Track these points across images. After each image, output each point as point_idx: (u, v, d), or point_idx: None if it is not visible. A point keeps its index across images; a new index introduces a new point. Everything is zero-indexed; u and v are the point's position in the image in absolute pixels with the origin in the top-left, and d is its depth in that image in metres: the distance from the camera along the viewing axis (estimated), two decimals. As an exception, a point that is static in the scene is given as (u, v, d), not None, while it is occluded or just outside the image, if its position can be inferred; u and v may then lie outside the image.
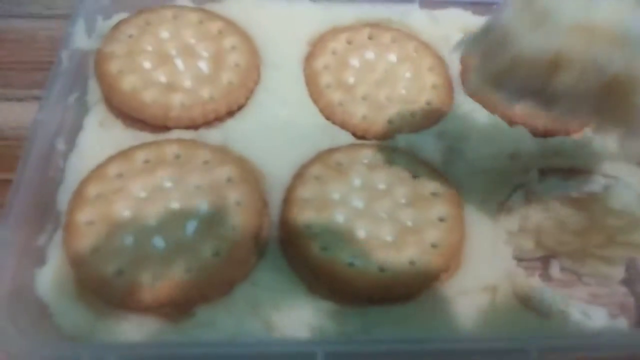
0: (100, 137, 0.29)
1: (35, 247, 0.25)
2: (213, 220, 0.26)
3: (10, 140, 0.36)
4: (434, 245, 0.26)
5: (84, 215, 0.25)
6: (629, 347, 0.25)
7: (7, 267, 0.24)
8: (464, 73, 0.35)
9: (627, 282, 0.32)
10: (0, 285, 0.23)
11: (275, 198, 0.28)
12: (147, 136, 0.30)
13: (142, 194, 0.26)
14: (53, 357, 0.21)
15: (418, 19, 0.37)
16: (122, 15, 0.34)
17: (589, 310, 0.27)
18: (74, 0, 0.42)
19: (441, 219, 0.27)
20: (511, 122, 0.32)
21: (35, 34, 0.42)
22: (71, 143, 0.29)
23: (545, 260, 0.33)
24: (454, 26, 0.37)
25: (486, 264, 0.27)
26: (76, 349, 0.22)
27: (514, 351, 0.24)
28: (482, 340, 0.25)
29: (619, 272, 0.32)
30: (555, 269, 0.32)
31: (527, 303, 0.27)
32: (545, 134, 0.32)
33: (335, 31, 0.35)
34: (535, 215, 0.30)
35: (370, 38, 0.35)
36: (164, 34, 0.32)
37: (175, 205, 0.26)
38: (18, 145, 0.35)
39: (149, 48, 0.32)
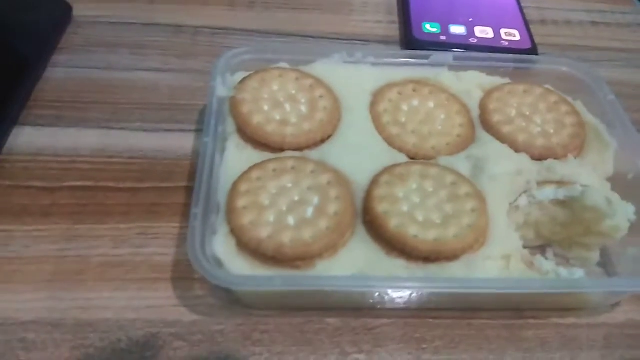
0: (237, 156, 0.41)
1: (210, 223, 0.38)
2: (323, 208, 0.38)
3: (151, 159, 0.48)
4: (469, 226, 0.38)
5: (240, 203, 0.37)
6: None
7: (199, 233, 0.36)
8: (482, 116, 0.46)
9: (601, 264, 0.43)
10: (198, 243, 0.35)
11: (359, 197, 0.40)
12: (269, 155, 0.41)
13: (274, 191, 0.38)
14: (238, 281, 0.34)
15: (447, 78, 0.47)
16: (244, 74, 0.46)
17: (572, 271, 0.39)
18: (183, 58, 0.56)
19: (473, 210, 0.38)
20: (516, 150, 0.43)
21: (157, 83, 0.54)
22: (221, 159, 0.41)
23: (542, 248, 0.43)
24: (473, 83, 0.48)
25: (503, 242, 0.38)
26: (253, 277, 0.35)
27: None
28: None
29: (595, 256, 0.42)
30: (550, 255, 0.43)
31: (530, 267, 0.39)
32: (540, 158, 0.43)
33: (390, 86, 0.46)
34: (535, 212, 0.42)
35: (414, 90, 0.46)
36: (275, 87, 0.44)
37: (296, 198, 0.39)
38: (157, 163, 0.47)
39: (266, 96, 0.44)
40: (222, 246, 0.36)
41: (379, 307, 0.40)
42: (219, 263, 0.36)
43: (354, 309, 0.40)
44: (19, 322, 0.38)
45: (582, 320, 0.42)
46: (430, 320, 0.40)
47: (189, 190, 0.42)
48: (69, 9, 0.60)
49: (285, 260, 0.36)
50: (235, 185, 0.39)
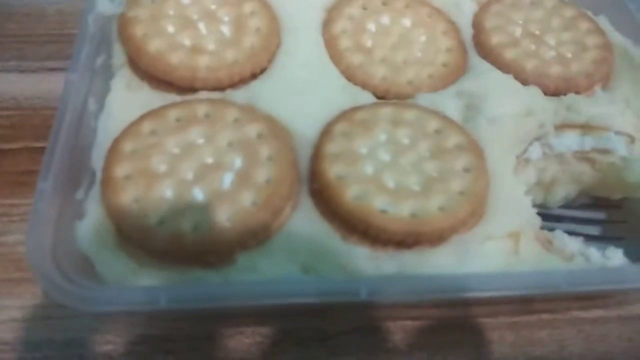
0: (128, 99, 0.30)
1: (74, 201, 0.26)
2: (249, 173, 0.26)
3: (26, 109, 0.37)
4: (461, 193, 0.27)
5: (121, 170, 0.26)
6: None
7: (49, 219, 0.24)
8: (476, 36, 0.36)
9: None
10: (44, 236, 0.24)
11: (303, 155, 0.29)
12: (174, 97, 0.30)
13: (176, 150, 0.27)
14: (103, 300, 0.22)
15: None
16: None
17: (607, 251, 0.28)
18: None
19: (466, 170, 0.28)
20: (524, 82, 0.34)
21: (44, 8, 0.43)
22: (100, 104, 0.29)
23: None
24: None
25: (509, 212, 0.28)
26: (128, 292, 0.23)
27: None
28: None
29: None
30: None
31: (548, 248, 0.28)
32: (556, 93, 0.34)
33: None
34: (552, 168, 0.32)
35: (384, 4, 0.36)
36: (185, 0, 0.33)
37: (209, 160, 0.27)
38: (34, 114, 0.37)
39: (171, 12, 0.32)
40: (93, 236, 0.25)
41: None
42: (86, 262, 0.24)
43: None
44: None
45: (611, 311, 0.32)
46: (407, 322, 0.30)
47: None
48: None
49: (187, 254, 0.24)
50: (115, 144, 0.27)
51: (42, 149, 0.33)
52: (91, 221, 0.25)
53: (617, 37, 0.38)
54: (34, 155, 0.34)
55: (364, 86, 0.33)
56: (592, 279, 0.26)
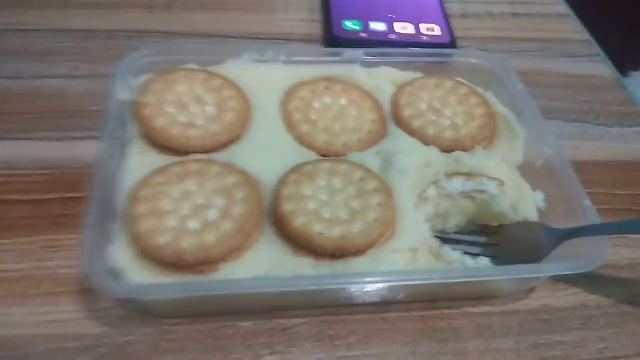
0: (140, 160, 0.40)
1: (106, 231, 0.36)
2: (228, 210, 0.38)
3: (57, 169, 0.46)
4: (375, 220, 0.38)
5: (139, 209, 0.36)
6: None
7: (93, 244, 0.35)
8: (393, 111, 0.47)
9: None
10: (91, 253, 0.34)
11: (267, 196, 0.39)
12: (174, 159, 0.40)
13: (177, 195, 0.38)
14: (134, 290, 0.33)
15: (360, 74, 0.48)
16: (148, 76, 0.45)
17: (478, 259, 0.40)
18: (95, 64, 0.55)
19: (379, 205, 0.39)
20: (426, 143, 0.44)
21: (65, 90, 0.52)
22: (121, 164, 0.40)
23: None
24: (386, 79, 0.49)
25: (410, 234, 0.38)
26: (149, 286, 0.34)
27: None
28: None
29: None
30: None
31: (438, 257, 0.39)
32: (448, 150, 0.44)
33: (302, 84, 0.47)
34: (445, 204, 0.42)
35: (326, 88, 0.47)
36: (180, 89, 0.44)
37: (200, 201, 0.38)
38: (63, 173, 0.46)
39: (170, 98, 0.43)
40: (121, 255, 0.35)
41: (293, 307, 0.39)
42: (118, 273, 0.34)
43: (268, 311, 0.40)
44: None
45: (496, 308, 0.42)
46: (345, 317, 0.40)
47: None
48: (-27, 16, 0.57)
49: (187, 265, 0.35)
50: (134, 192, 0.38)
51: (72, 198, 0.44)
52: (118, 244, 0.36)
53: (500, 108, 0.48)
54: (66, 203, 0.43)
55: (310, 148, 0.43)
56: (458, 273, 0.37)
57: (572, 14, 0.74)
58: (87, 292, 0.39)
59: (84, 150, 0.47)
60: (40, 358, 0.36)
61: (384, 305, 0.41)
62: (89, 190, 0.37)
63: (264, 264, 0.37)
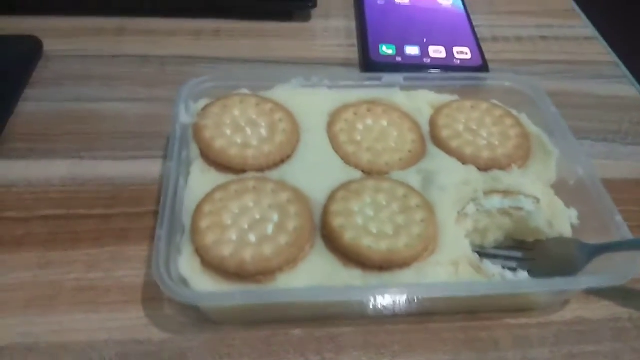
0: (202, 179, 0.43)
1: (174, 243, 0.40)
2: (283, 224, 0.41)
3: (119, 187, 0.49)
4: (418, 235, 0.40)
5: (203, 223, 0.40)
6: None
7: (163, 255, 0.38)
8: (432, 131, 0.49)
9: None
10: (162, 263, 0.37)
11: (317, 212, 0.42)
12: (232, 177, 0.44)
13: (236, 211, 0.41)
14: (201, 297, 0.36)
15: (399, 97, 0.51)
16: (205, 100, 0.49)
17: (517, 273, 0.42)
18: (151, 87, 0.59)
19: (422, 220, 0.41)
20: (464, 162, 0.46)
21: (125, 113, 0.57)
22: (185, 182, 0.43)
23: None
24: (424, 102, 0.52)
25: (452, 248, 0.41)
26: (214, 293, 0.38)
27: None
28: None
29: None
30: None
31: (478, 271, 0.42)
32: (486, 169, 0.46)
33: (345, 107, 0.49)
34: (483, 220, 0.44)
35: (368, 110, 0.49)
36: (236, 112, 0.47)
37: (257, 216, 0.41)
38: (125, 189, 0.49)
39: (228, 121, 0.46)
40: (187, 265, 0.39)
41: (341, 317, 0.42)
42: (184, 282, 0.38)
43: (318, 320, 0.42)
44: (-7, 348, 0.39)
45: (533, 320, 0.44)
46: (389, 326, 0.43)
47: (157, 215, 0.44)
48: (39, 44, 0.62)
49: (247, 275, 0.38)
50: (198, 207, 0.41)
51: (134, 213, 0.48)
52: (186, 256, 0.39)
53: (533, 129, 0.50)
54: (129, 217, 0.47)
55: (356, 167, 0.45)
56: (501, 286, 0.40)
57: (598, 36, 0.76)
58: (151, 300, 0.43)
59: (145, 168, 0.51)
60: None
61: (425, 315, 0.43)
62: (160, 206, 0.41)
63: (317, 275, 0.39)
